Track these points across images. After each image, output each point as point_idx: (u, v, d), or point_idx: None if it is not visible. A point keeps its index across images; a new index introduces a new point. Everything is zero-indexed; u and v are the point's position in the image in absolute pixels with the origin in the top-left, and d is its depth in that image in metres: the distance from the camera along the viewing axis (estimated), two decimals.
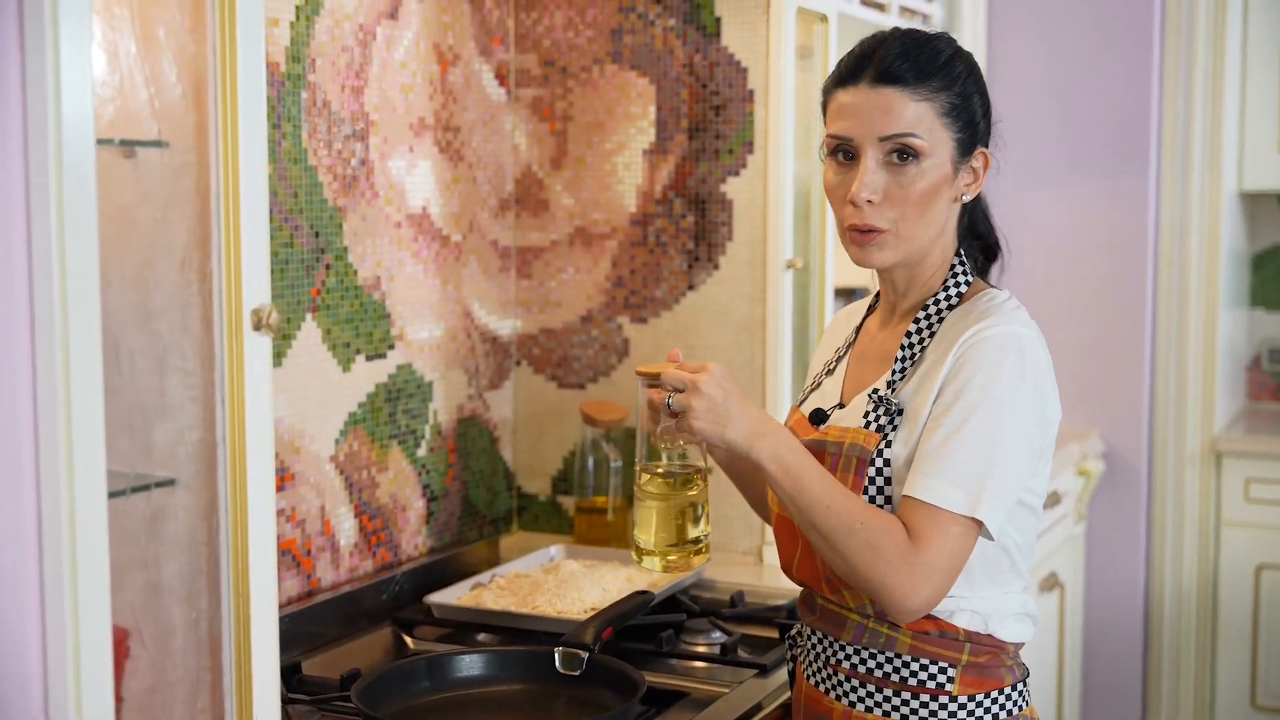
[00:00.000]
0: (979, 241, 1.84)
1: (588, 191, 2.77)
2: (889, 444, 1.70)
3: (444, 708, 1.87)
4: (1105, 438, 3.94)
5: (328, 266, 2.34)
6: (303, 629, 2.25)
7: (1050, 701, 3.77)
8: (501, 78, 2.77)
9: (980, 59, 3.87)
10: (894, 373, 1.75)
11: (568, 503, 2.83)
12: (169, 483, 1.43)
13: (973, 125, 1.73)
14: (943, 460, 1.63)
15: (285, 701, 1.98)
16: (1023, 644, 1.79)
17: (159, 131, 1.42)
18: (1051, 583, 3.64)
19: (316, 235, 2.32)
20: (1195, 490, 3.91)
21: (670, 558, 1.73)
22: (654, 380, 1.68)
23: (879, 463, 1.69)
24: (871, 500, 1.69)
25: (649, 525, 1.73)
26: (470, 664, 1.93)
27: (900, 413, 1.70)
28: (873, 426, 1.72)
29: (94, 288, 1.25)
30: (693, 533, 1.73)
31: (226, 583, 1.44)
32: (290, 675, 2.07)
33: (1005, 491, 1.64)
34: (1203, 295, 3.87)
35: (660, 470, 1.72)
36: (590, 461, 2.72)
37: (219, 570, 1.44)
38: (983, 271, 1.84)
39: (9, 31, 1.21)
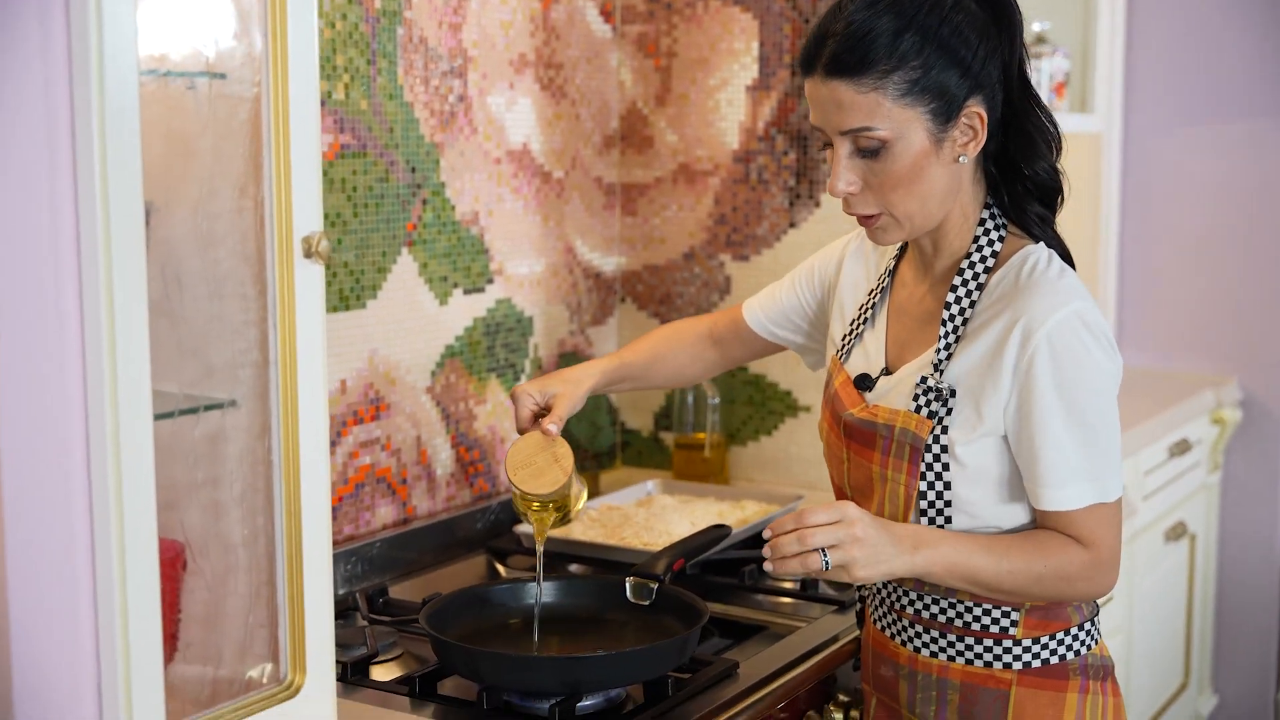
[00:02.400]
0: (1030, 187, 1.73)
1: (691, 128, 2.76)
2: (944, 429, 1.67)
3: (510, 632, 1.91)
4: (1244, 385, 3.82)
5: (424, 201, 2.38)
6: (396, 555, 2.31)
7: (1178, 655, 3.69)
8: (606, 14, 2.77)
9: None
10: (939, 351, 1.70)
11: (669, 439, 2.85)
12: (219, 405, 1.48)
13: (946, 92, 1.62)
14: (1073, 463, 1.64)
15: (369, 622, 2.04)
16: None
17: (214, 63, 1.46)
18: (1179, 531, 3.56)
19: (413, 170, 2.36)
20: None
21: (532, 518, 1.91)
22: (532, 497, 1.86)
23: (935, 449, 1.67)
24: (930, 487, 1.67)
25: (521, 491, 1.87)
26: (543, 592, 1.96)
27: (953, 394, 1.67)
28: (924, 412, 1.68)
29: (138, 215, 1.29)
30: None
31: (279, 501, 1.49)
32: (377, 598, 2.13)
33: (1118, 455, 1.68)
34: None
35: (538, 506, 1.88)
36: (690, 398, 2.73)
37: (273, 489, 1.49)
38: (1045, 222, 1.75)
39: None
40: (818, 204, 2.66)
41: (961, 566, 1.63)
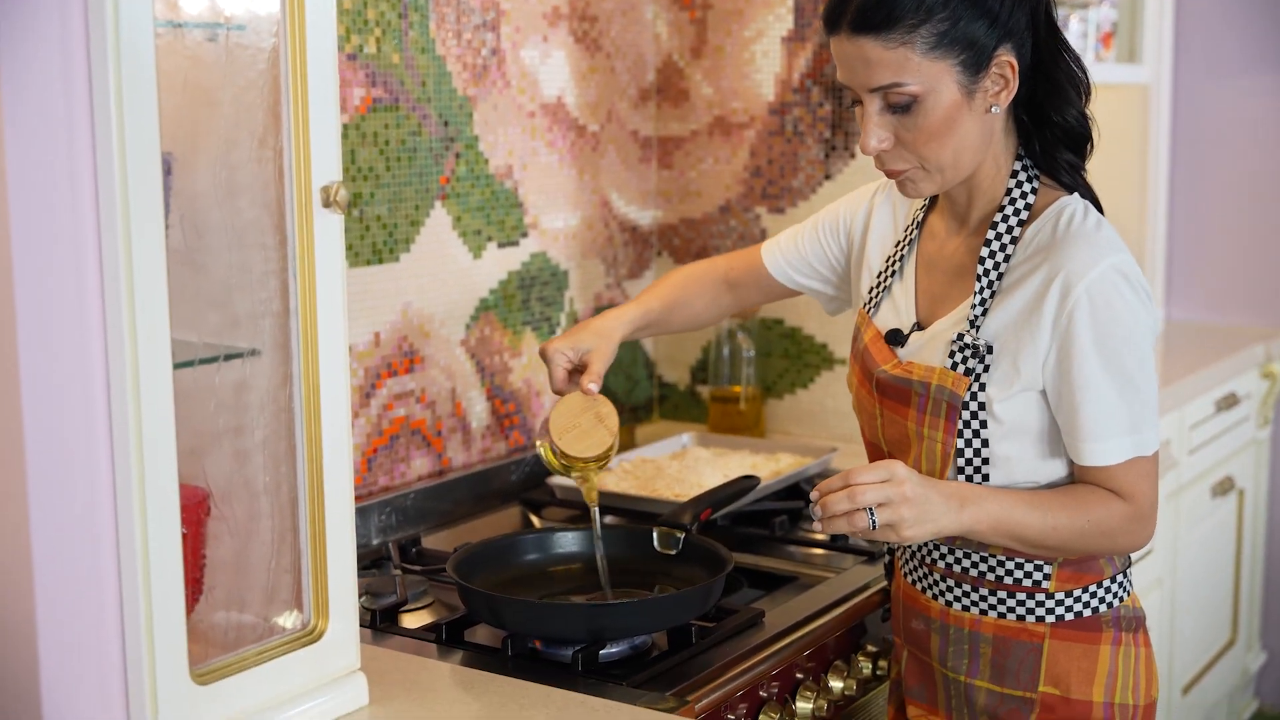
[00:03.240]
0: (1059, 134, 1.71)
1: (727, 80, 2.75)
2: (982, 387, 1.66)
3: (537, 580, 1.93)
4: None
5: (457, 155, 2.39)
6: (431, 505, 2.33)
7: (1226, 612, 3.66)
8: None
9: None
10: (974, 306, 1.68)
11: (705, 392, 2.86)
12: (239, 354, 1.50)
13: (975, 42, 1.61)
14: (1114, 418, 1.63)
15: (401, 571, 2.07)
16: None
17: (232, 14, 1.47)
18: (1227, 486, 3.52)
19: (446, 124, 2.36)
20: None
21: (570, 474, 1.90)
22: (580, 461, 1.85)
23: (973, 406, 1.66)
24: (967, 444, 1.67)
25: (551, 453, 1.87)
26: (569, 540, 1.98)
27: (990, 350, 1.66)
28: (960, 369, 1.67)
29: (156, 166, 1.31)
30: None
31: (301, 449, 1.50)
32: (410, 547, 2.16)
33: (1155, 408, 1.67)
34: None
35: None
36: (726, 351, 2.73)
37: (295, 437, 1.51)
38: (1075, 170, 1.73)
39: None
40: (853, 155, 2.65)
41: (1007, 523, 1.63)
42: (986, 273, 1.69)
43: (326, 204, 1.48)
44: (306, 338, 1.49)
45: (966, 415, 1.66)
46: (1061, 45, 1.69)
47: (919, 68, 1.60)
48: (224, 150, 1.50)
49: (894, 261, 1.83)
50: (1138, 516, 1.65)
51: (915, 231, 1.82)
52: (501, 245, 2.50)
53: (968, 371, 1.66)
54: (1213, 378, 3.36)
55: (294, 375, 1.50)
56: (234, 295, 1.52)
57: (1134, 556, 1.79)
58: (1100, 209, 1.72)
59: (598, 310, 2.72)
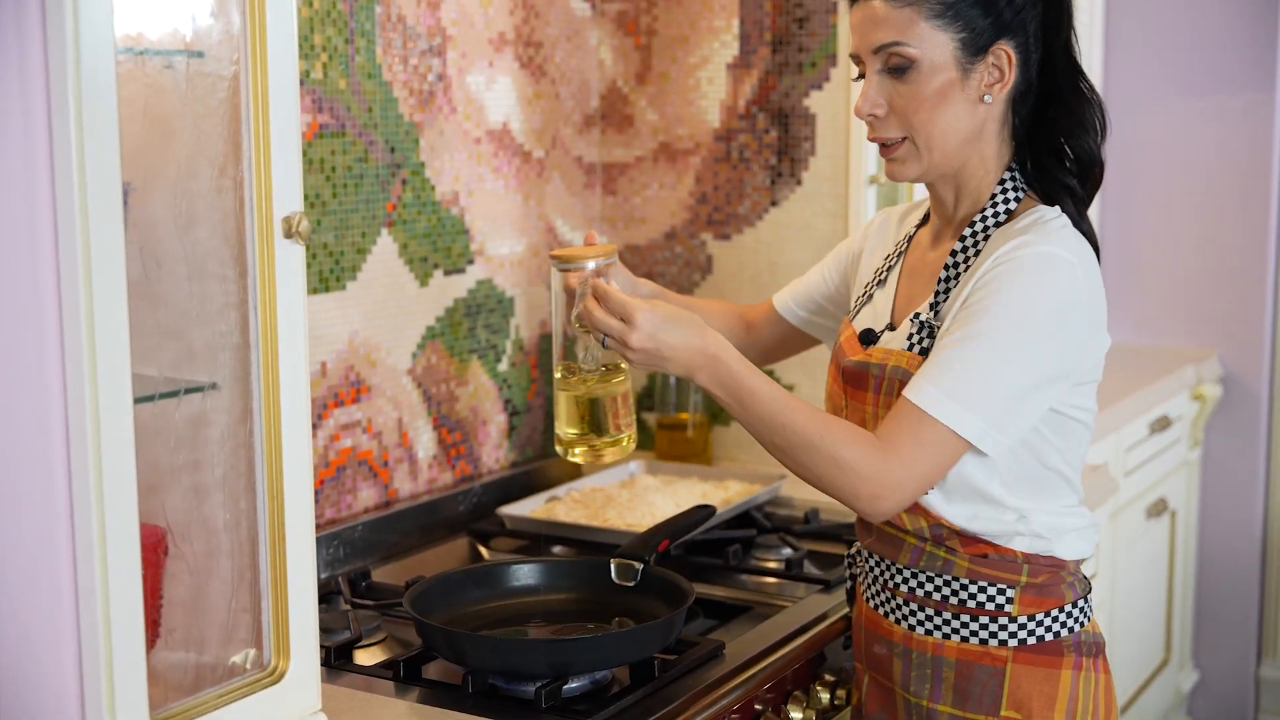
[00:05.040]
0: (1068, 164, 1.72)
1: (672, 107, 2.75)
2: None
3: (495, 615, 1.90)
4: (1224, 361, 3.83)
5: (404, 181, 2.36)
6: (378, 538, 2.30)
7: (1159, 632, 3.70)
8: None
9: None
10: (937, 294, 1.71)
11: (651, 419, 2.84)
12: (199, 388, 1.46)
13: (977, 24, 1.65)
14: (943, 368, 1.59)
15: (352, 606, 2.03)
16: (1084, 559, 1.76)
17: (191, 41, 1.44)
18: (1160, 508, 3.56)
19: (392, 150, 2.34)
20: None
21: (580, 448, 1.75)
22: (568, 265, 1.70)
23: None
24: None
25: (561, 415, 1.76)
26: (525, 573, 1.95)
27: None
28: (916, 349, 1.69)
29: (116, 196, 1.27)
30: (603, 424, 1.74)
31: (261, 484, 1.47)
32: (360, 581, 2.12)
33: (1008, 415, 1.60)
34: None
35: (575, 365, 1.74)
36: (672, 378, 2.71)
37: (255, 472, 1.47)
38: (1083, 199, 1.73)
39: None
40: (799, 182, 2.65)
41: (740, 392, 1.62)
42: (955, 264, 1.70)
43: (289, 234, 1.45)
44: (267, 371, 1.45)
45: None
46: (1081, 76, 1.71)
47: (921, 33, 1.65)
48: (182, 179, 1.47)
49: (881, 272, 1.85)
50: (879, 466, 1.58)
51: (905, 244, 1.85)
52: (448, 272, 2.47)
53: (922, 351, 1.67)
54: (1146, 400, 3.40)
55: (254, 409, 1.47)
56: (192, 327, 1.48)
57: None
58: (1096, 250, 1.70)
59: (543, 337, 2.70)
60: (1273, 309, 3.79)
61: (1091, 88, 1.71)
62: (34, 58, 1.23)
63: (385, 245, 2.34)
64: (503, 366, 2.61)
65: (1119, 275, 3.93)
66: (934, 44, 1.65)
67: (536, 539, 2.34)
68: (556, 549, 2.32)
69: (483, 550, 2.36)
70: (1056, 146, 1.72)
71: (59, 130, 1.24)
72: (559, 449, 1.77)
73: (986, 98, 1.68)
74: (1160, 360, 3.71)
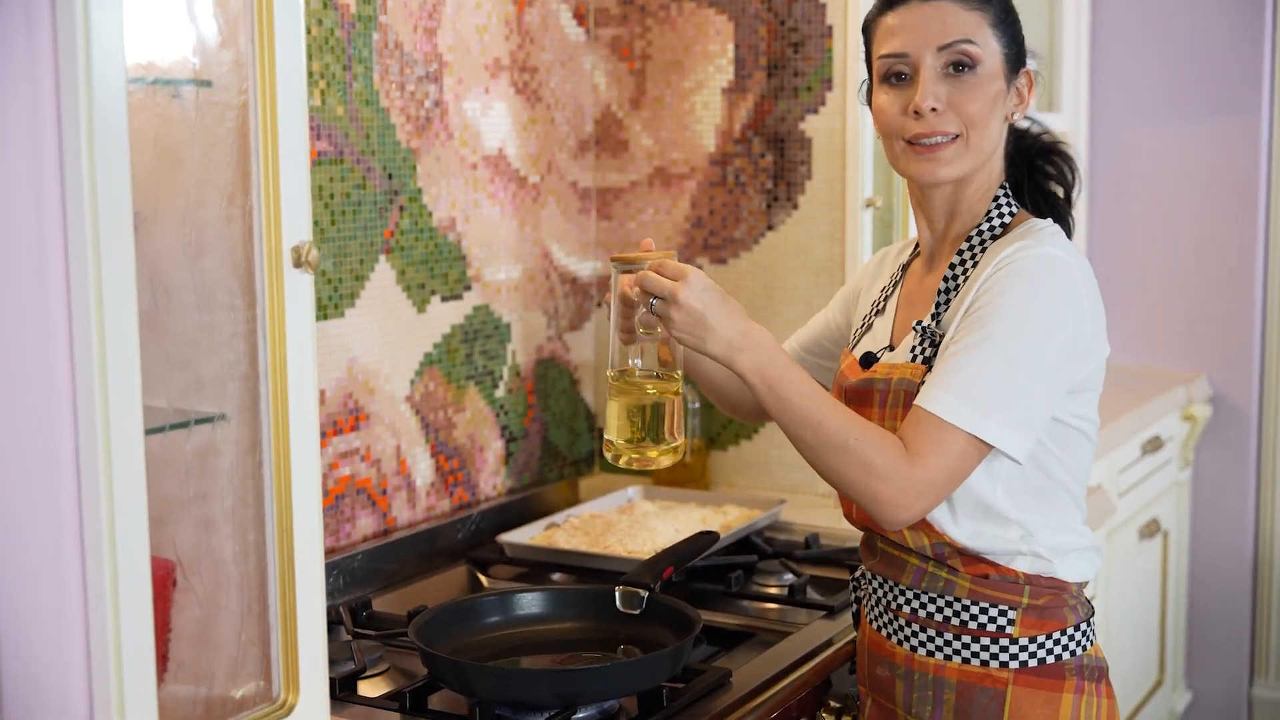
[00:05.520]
0: (1046, 176, 1.78)
1: (667, 131, 2.75)
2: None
3: (502, 644, 1.89)
4: (1214, 382, 3.84)
5: (401, 208, 2.35)
6: (378, 566, 2.28)
7: (1153, 653, 3.70)
8: (580, 17, 2.75)
9: None
10: (937, 305, 1.72)
11: None
12: (209, 419, 1.45)
13: (1017, 41, 1.73)
14: (955, 374, 1.59)
15: (353, 636, 2.01)
16: (1085, 582, 1.76)
17: (200, 70, 1.43)
18: (1153, 529, 3.57)
19: (390, 177, 2.33)
20: None
21: (631, 455, 1.71)
22: (629, 267, 1.67)
23: None
24: None
25: (612, 421, 1.71)
26: (530, 602, 1.94)
27: (944, 338, 1.68)
28: (919, 359, 1.70)
29: (127, 225, 1.26)
30: (658, 431, 1.70)
31: (271, 516, 1.46)
32: (360, 611, 2.10)
33: (1025, 415, 1.60)
34: None
35: (628, 369, 1.70)
36: None
37: (264, 504, 1.46)
38: (1057, 212, 1.78)
39: None
40: (795, 206, 2.65)
41: (779, 383, 1.60)
42: (953, 276, 1.72)
43: (298, 264, 1.44)
44: (276, 401, 1.44)
45: None
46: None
47: (986, 36, 1.69)
48: (191, 209, 1.46)
49: (879, 303, 1.87)
50: (906, 473, 1.58)
51: (900, 275, 1.86)
52: (445, 299, 2.46)
53: (925, 360, 1.68)
54: (1139, 421, 3.41)
55: (264, 440, 1.45)
56: (201, 358, 1.47)
57: None
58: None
59: (539, 363, 2.69)
60: (1261, 329, 3.81)
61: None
62: (45, 89, 1.22)
63: (383, 272, 2.33)
64: (500, 393, 2.60)
65: (1108, 296, 3.91)
66: (992, 50, 1.69)
67: (536, 566, 2.33)
68: (556, 576, 2.31)
69: (482, 578, 2.34)
70: (1042, 168, 1.78)
71: (70, 161, 1.24)
72: (608, 455, 1.73)
73: (1016, 115, 1.74)
74: (1150, 381, 3.72)
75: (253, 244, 1.43)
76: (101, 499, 1.26)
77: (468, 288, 2.51)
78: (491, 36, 2.52)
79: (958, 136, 1.68)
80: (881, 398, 1.71)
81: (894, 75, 1.72)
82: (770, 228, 2.68)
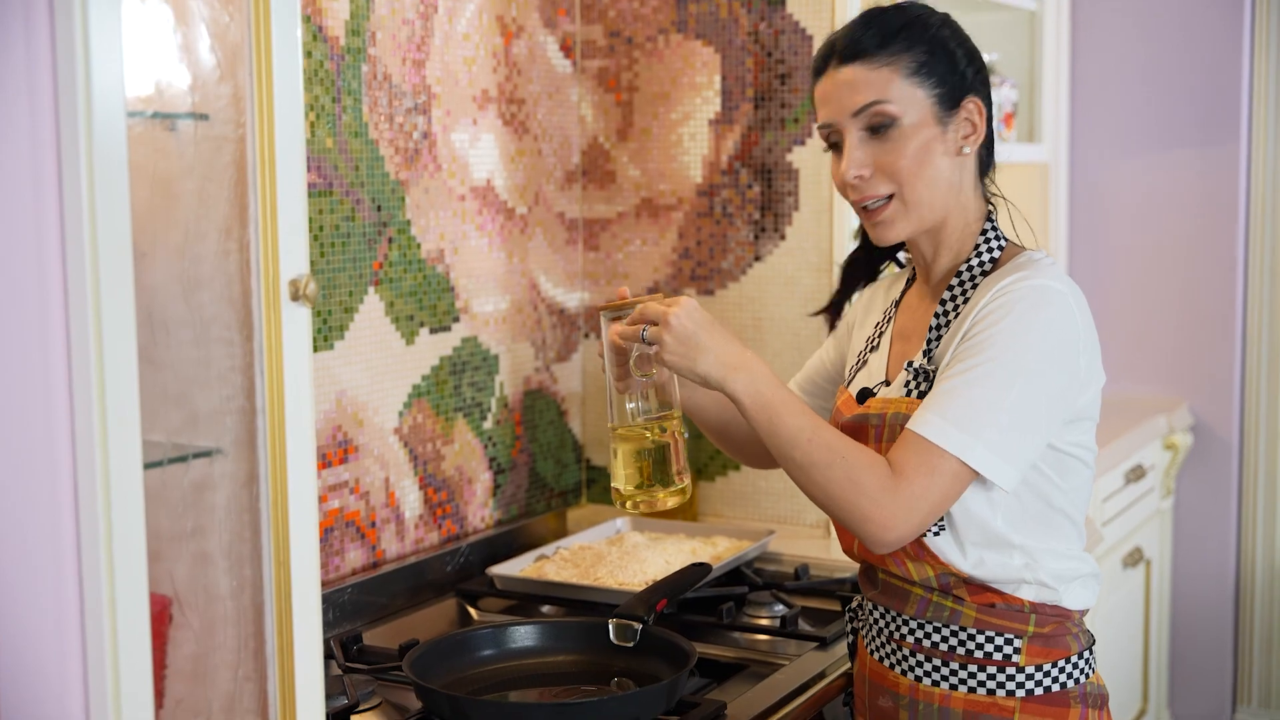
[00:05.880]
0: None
1: (654, 163, 2.75)
2: None
3: (497, 678, 1.88)
4: (1194, 411, 3.86)
5: (390, 240, 2.35)
6: (367, 600, 2.27)
7: (1136, 681, 3.70)
8: (567, 49, 2.76)
9: (1064, 24, 3.80)
10: (929, 342, 1.73)
11: None
12: (207, 453, 1.44)
13: (950, 78, 1.71)
14: (946, 398, 1.61)
15: (345, 671, 2.00)
16: (1087, 610, 1.76)
17: (197, 103, 1.43)
18: (1136, 558, 3.58)
19: (379, 209, 2.33)
20: None
21: (639, 499, 1.74)
22: (618, 314, 1.70)
23: None
24: None
25: (619, 470, 1.74)
26: (524, 635, 1.93)
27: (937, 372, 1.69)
28: (914, 394, 1.70)
29: (127, 259, 1.26)
30: (664, 473, 1.73)
31: (268, 551, 1.45)
32: (351, 645, 2.09)
33: (1015, 443, 1.61)
34: None
35: (627, 415, 1.73)
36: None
37: (260, 539, 1.45)
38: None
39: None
40: (783, 237, 2.66)
41: (772, 403, 1.62)
42: (945, 312, 1.73)
43: (295, 297, 1.43)
44: (274, 435, 1.43)
45: None
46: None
47: (900, 91, 1.68)
48: (188, 243, 1.45)
49: (873, 339, 1.87)
50: (893, 493, 1.58)
51: (893, 310, 1.87)
52: (434, 331, 2.46)
53: (919, 395, 1.68)
54: (1123, 450, 3.42)
55: (260, 474, 1.44)
56: (197, 392, 1.46)
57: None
58: None
59: (527, 394, 2.69)
60: (1241, 357, 3.83)
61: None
62: (45, 122, 1.22)
63: (372, 304, 2.32)
64: (488, 424, 2.59)
65: None
66: (912, 101, 1.68)
67: (526, 599, 2.32)
68: (546, 608, 2.30)
69: (472, 611, 2.33)
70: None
71: (70, 196, 1.23)
72: (616, 503, 1.76)
73: (965, 149, 1.72)
74: (1132, 410, 3.73)
75: (250, 277, 1.43)
76: (100, 534, 1.25)
77: (456, 319, 2.51)
78: (479, 68, 2.53)
79: (892, 195, 1.71)
80: (877, 432, 1.71)
81: (830, 145, 1.75)
82: (758, 258, 2.68)
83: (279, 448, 1.44)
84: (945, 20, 1.75)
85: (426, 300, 2.44)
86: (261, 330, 1.42)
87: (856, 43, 1.70)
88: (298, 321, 1.44)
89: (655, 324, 1.64)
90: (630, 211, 2.78)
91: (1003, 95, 3.56)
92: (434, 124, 2.43)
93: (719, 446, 2.01)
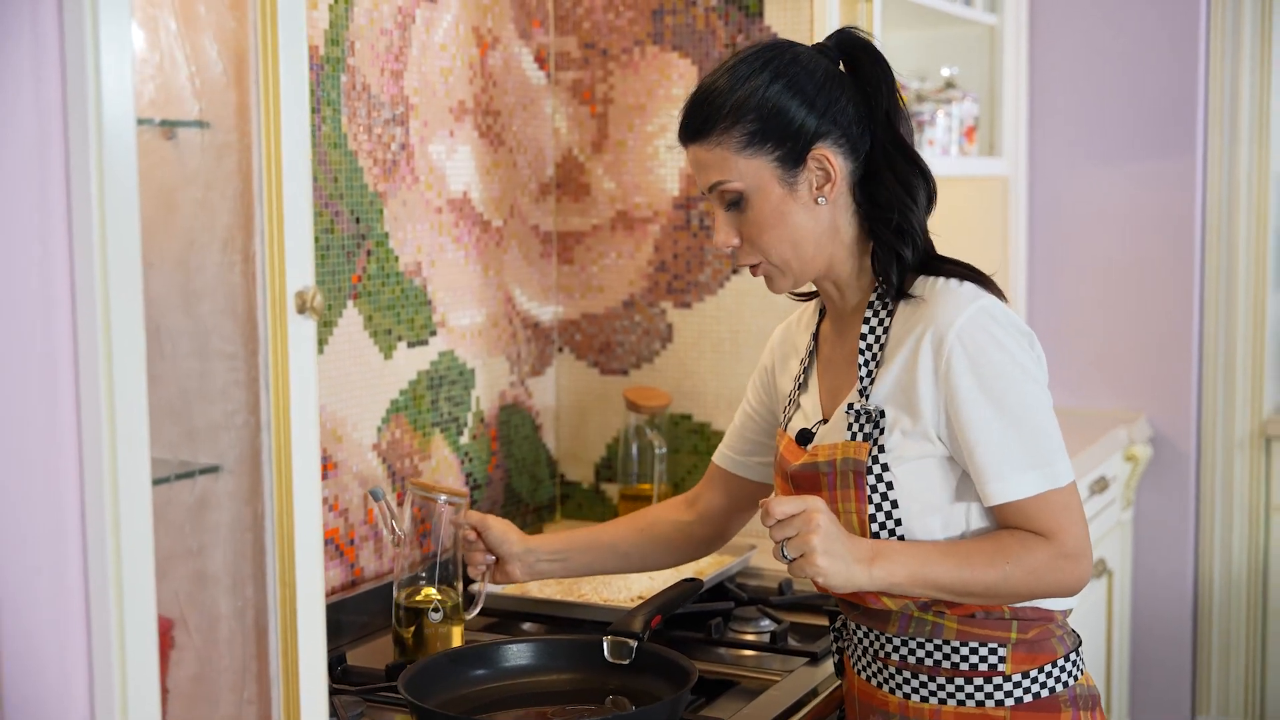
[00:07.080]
0: (899, 234, 1.74)
1: (629, 175, 2.73)
2: (881, 449, 1.68)
3: (490, 698, 1.85)
4: (1153, 422, 3.88)
5: (369, 253, 2.32)
6: (346, 619, 2.23)
7: (1098, 690, 3.71)
8: (541, 60, 2.74)
9: (1023, 39, 3.82)
10: (861, 379, 1.73)
11: (611, 490, 2.80)
12: (213, 469, 1.40)
13: (791, 136, 1.69)
14: (1009, 454, 1.63)
15: (331, 692, 1.96)
16: (1070, 610, 1.76)
17: (200, 111, 1.39)
18: (1099, 570, 3.59)
19: (357, 221, 2.29)
20: (1245, 475, 3.85)
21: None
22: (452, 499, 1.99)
23: (876, 470, 1.68)
24: (878, 509, 1.68)
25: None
26: (518, 653, 1.90)
27: (883, 415, 1.69)
28: (859, 437, 1.70)
29: (136, 271, 1.23)
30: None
31: (272, 570, 1.41)
32: (335, 665, 2.05)
33: (1060, 442, 1.68)
34: (1251, 276, 3.81)
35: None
36: (634, 448, 2.68)
37: (264, 558, 1.42)
38: (903, 272, 1.74)
39: (48, 7, 1.18)
40: None
41: (922, 575, 1.63)
42: (869, 346, 1.73)
43: (301, 310, 1.40)
44: (280, 451, 1.40)
45: (872, 480, 1.68)
46: (899, 147, 1.74)
47: (737, 166, 1.69)
48: (186, 253, 1.42)
49: (799, 378, 1.87)
50: (1064, 553, 1.64)
51: (813, 344, 1.87)
52: (411, 345, 2.42)
53: (866, 437, 1.69)
54: (1087, 461, 3.44)
55: (265, 491, 1.41)
56: (199, 407, 1.42)
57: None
58: (986, 280, 1.73)
59: (503, 409, 2.66)
60: (1198, 369, 3.86)
61: (911, 158, 1.74)
62: (53, 132, 1.19)
63: (351, 318, 2.29)
64: (464, 439, 2.56)
65: (1046, 340, 3.96)
66: (752, 171, 1.69)
67: (507, 616, 2.29)
68: (527, 625, 2.27)
69: None
70: (897, 223, 1.73)
71: (79, 207, 1.20)
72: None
73: (821, 200, 1.71)
74: (1091, 423, 3.75)
75: (254, 290, 1.40)
76: (108, 553, 1.22)
77: (433, 333, 2.47)
78: (456, 79, 2.50)
79: (763, 260, 1.73)
80: (829, 480, 1.71)
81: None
82: (735, 271, 2.67)
83: (284, 464, 1.41)
84: (777, 73, 1.70)
85: (404, 314, 2.40)
86: (266, 343, 1.39)
87: (690, 124, 1.72)
88: (304, 334, 1.41)
89: (790, 535, 1.59)
90: (605, 224, 2.76)
91: (964, 110, 3.58)
92: (412, 135, 2.40)
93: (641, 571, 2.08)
